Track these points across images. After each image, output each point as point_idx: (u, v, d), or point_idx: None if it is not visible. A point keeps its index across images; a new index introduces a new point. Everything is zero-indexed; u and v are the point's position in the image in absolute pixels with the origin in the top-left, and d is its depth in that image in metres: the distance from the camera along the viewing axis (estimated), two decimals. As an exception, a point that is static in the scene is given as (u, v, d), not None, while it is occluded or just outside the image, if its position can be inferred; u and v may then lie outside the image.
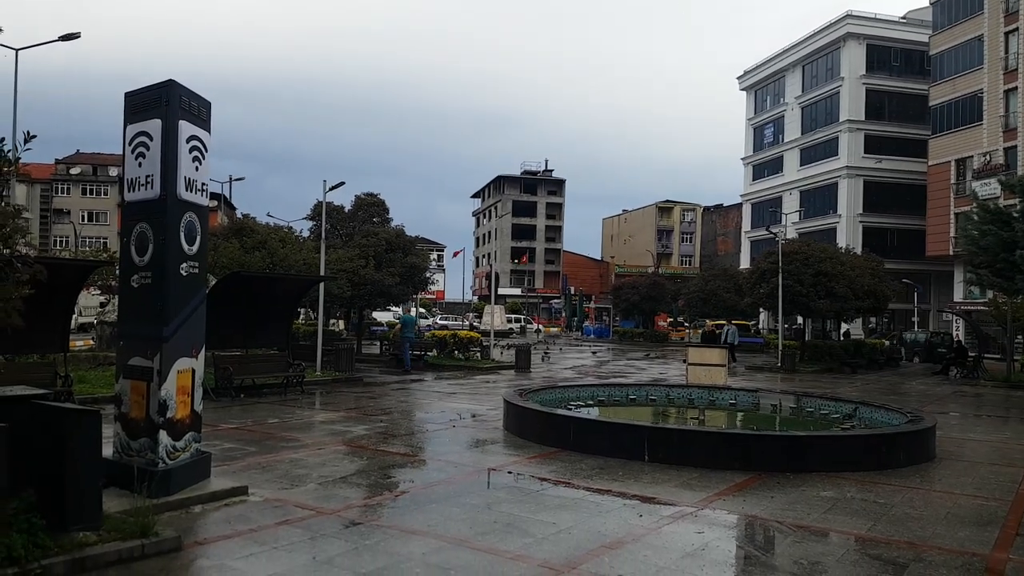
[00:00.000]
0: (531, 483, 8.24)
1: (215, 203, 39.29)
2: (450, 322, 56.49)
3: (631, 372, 25.42)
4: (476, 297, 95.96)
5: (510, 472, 8.75)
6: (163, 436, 6.92)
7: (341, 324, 39.79)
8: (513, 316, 64.21)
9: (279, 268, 22.45)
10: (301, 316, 35.67)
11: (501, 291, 73.41)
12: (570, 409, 12.58)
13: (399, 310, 50.69)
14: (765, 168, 60.74)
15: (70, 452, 5.63)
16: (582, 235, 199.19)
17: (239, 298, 16.04)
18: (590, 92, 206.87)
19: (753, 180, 62.18)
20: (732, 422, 13.41)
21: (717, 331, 28.63)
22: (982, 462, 10.41)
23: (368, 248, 26.55)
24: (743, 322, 50.36)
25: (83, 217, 73.48)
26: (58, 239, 71.72)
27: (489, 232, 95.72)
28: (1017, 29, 39.83)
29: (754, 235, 60.04)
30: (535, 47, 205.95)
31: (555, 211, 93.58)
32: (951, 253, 42.48)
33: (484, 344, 26.93)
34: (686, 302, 47.36)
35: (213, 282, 17.49)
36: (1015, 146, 39.54)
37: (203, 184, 7.40)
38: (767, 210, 57.41)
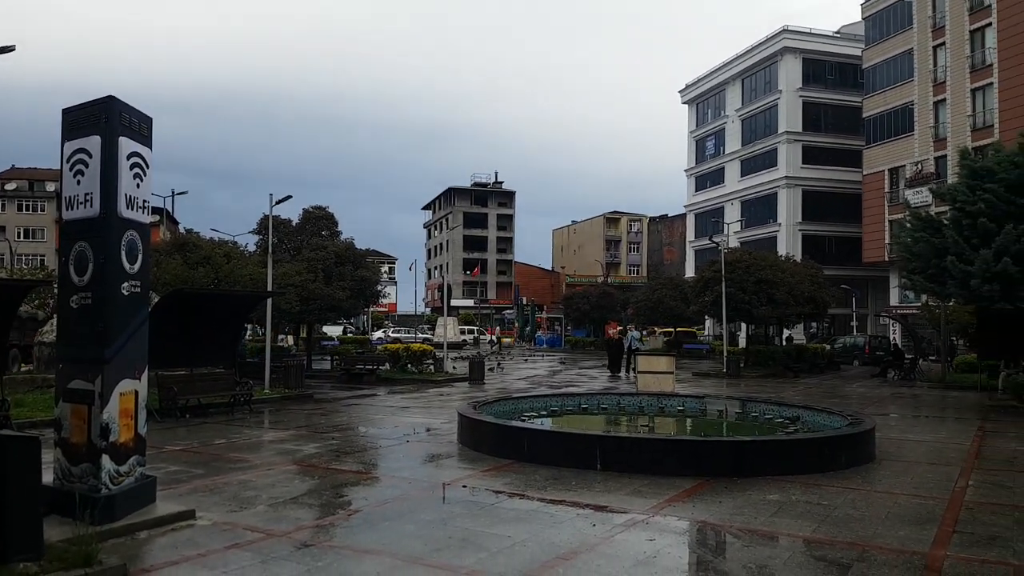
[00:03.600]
0: (486, 496, 8.25)
1: (157, 218, 38.34)
2: (403, 335, 56.28)
3: (583, 381, 25.51)
4: (429, 309, 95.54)
5: (464, 486, 8.74)
6: (106, 461, 6.75)
7: (290, 340, 39.42)
8: (466, 327, 64.31)
9: (224, 284, 22.18)
10: (248, 333, 35.38)
11: (454, 302, 72.68)
12: (524, 420, 12.60)
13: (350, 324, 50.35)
14: (707, 179, 61.71)
15: (8, 480, 5.43)
16: (533, 246, 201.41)
17: (183, 316, 15.75)
18: (538, 104, 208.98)
19: (696, 191, 63.15)
20: (681, 429, 13.55)
21: (619, 338, 29.02)
22: (920, 462, 10.74)
23: (317, 262, 26.33)
24: (689, 329, 51.36)
25: (19, 234, 71.33)
26: (-9, 257, 69.02)
27: (441, 244, 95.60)
28: (944, 43, 41.55)
29: (698, 244, 60.97)
30: (485, 58, 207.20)
31: (506, 223, 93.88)
32: (887, 259, 43.62)
33: (437, 356, 26.88)
34: (635, 310, 47.98)
35: (156, 300, 17.14)
36: (945, 155, 41.11)
37: (144, 201, 7.25)
38: (710, 220, 58.21)
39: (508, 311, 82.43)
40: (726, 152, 59.20)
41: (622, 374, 27.22)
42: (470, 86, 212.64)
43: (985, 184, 19.30)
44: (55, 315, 11.31)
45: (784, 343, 36.04)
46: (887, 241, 43.88)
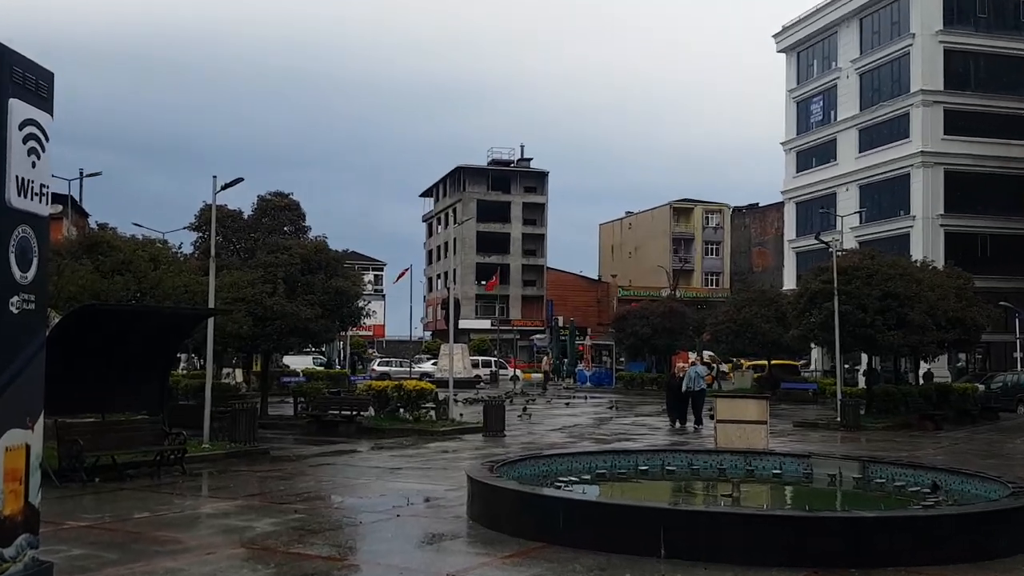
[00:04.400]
0: (505, 593, 8.20)
1: (59, 208, 38.70)
2: (393, 368, 56.31)
3: (641, 433, 25.34)
4: (429, 333, 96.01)
5: (476, 579, 8.71)
6: (-14, 540, 6.74)
7: (239, 375, 39.81)
8: (481, 358, 64.31)
9: (151, 298, 22.16)
10: (182, 365, 35.68)
11: (464, 324, 74.04)
12: (559, 487, 12.57)
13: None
14: (813, 156, 61.61)
15: None
16: (573, 247, 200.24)
17: (94, 342, 15.73)
18: (580, 58, 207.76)
19: (797, 171, 63.12)
20: (778, 500, 13.49)
21: (680, 375, 29.29)
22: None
23: (276, 268, 26.67)
24: (789, 362, 50.67)
25: None
26: None
27: (446, 243, 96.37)
28: None
29: (800, 245, 60.87)
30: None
31: (535, 215, 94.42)
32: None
33: (441, 398, 27.14)
34: (713, 336, 47.77)
35: (56, 320, 17.06)
36: None
37: (43, 186, 7.30)
38: (816, 211, 57.88)
39: (538, 336, 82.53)
40: (838, 118, 58.79)
41: (689, 425, 27.53)
42: (489, 32, 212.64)
43: None
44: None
45: (921, 381, 35.75)
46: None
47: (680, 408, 28.33)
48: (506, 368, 63.90)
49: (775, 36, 65.11)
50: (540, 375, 60.45)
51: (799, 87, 63.32)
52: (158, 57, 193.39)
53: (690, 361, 36.81)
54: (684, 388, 27.80)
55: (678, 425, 27.47)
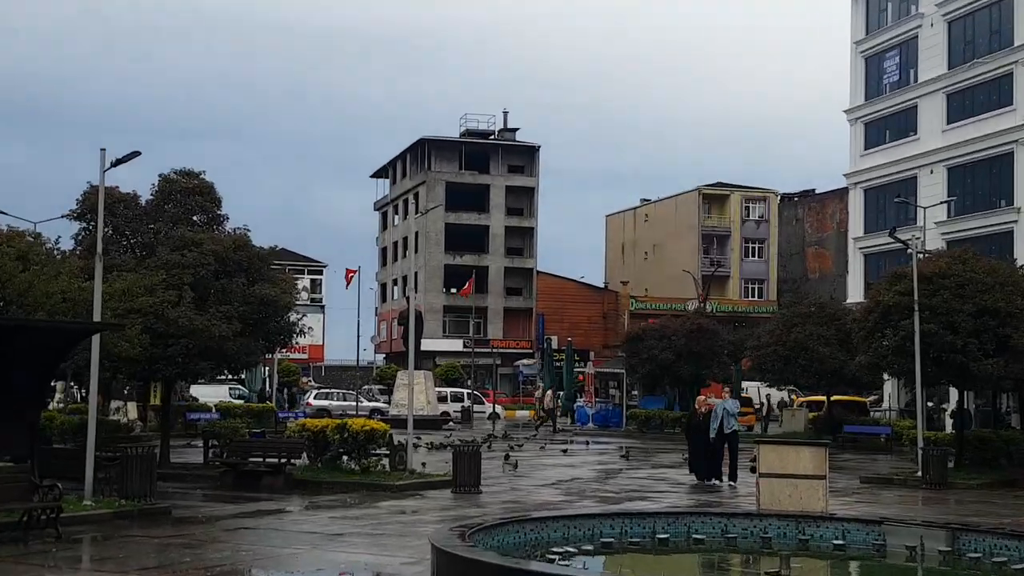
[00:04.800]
0: None
1: None
2: (335, 402, 56.88)
3: (660, 491, 25.48)
4: (382, 356, 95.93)
5: None
6: None
7: (132, 410, 40.03)
8: (450, 390, 64.59)
9: (16, 309, 22.08)
10: (57, 397, 36.33)
11: (428, 344, 73.64)
12: (552, 561, 12.53)
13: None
14: (886, 128, 61.13)
15: None
16: (571, 245, 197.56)
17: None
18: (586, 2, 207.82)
19: (866, 148, 62.58)
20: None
21: (701, 411, 29.31)
22: None
23: (183, 270, 26.79)
24: (855, 398, 50.95)
25: None
26: None
27: (405, 239, 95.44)
28: None
29: (870, 244, 60.52)
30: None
31: (522, 202, 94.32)
32: None
33: (396, 442, 27.25)
34: (755, 362, 48.00)
35: None
36: None
37: None
38: (891, 200, 56.60)
39: (525, 361, 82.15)
40: (919, 79, 58.26)
41: (724, 481, 27.51)
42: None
43: None
44: None
45: (1027, 424, 35.85)
46: None
47: (707, 457, 28.17)
48: (483, 403, 63.89)
49: None
50: (532, 411, 60.91)
51: (868, 38, 62.31)
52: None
53: (734, 391, 36.88)
54: (712, 431, 27.48)
55: (706, 480, 27.49)
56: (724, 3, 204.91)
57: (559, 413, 60.16)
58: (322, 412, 47.56)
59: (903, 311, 29.91)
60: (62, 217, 32.69)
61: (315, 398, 58.61)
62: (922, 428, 31.13)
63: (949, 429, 38.77)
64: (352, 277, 64.51)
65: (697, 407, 30.11)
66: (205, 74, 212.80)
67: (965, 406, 36.10)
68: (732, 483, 26.92)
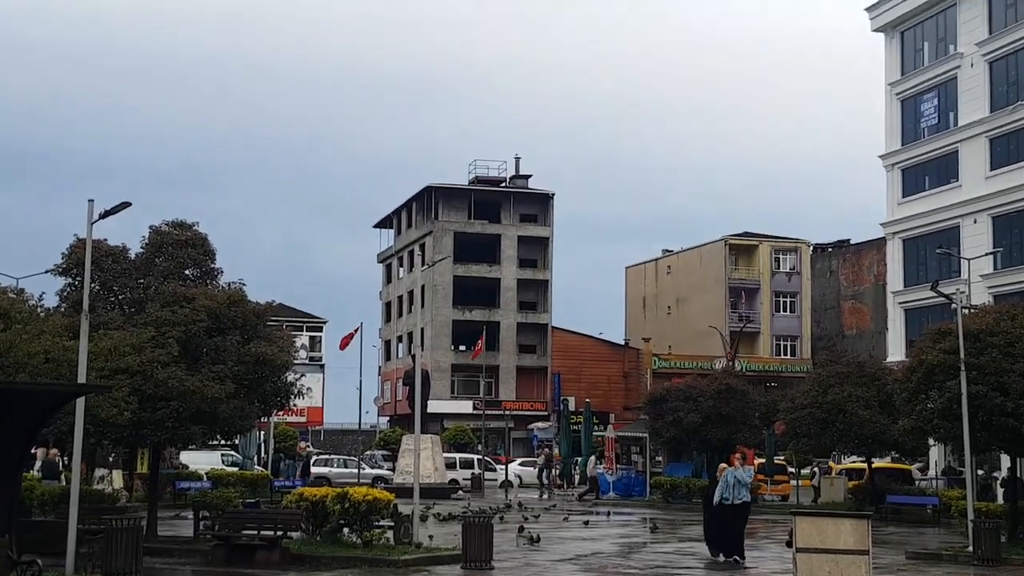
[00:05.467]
0: None
1: None
2: (335, 469, 56.92)
3: (688, 567, 25.98)
4: (386, 419, 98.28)
5: None
6: None
7: (117, 479, 39.95)
8: (459, 456, 64.96)
9: (-2, 371, 22.55)
10: (37, 465, 36.24)
11: (435, 406, 73.50)
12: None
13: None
14: (925, 174, 61.49)
15: None
16: (589, 299, 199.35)
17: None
18: (602, 38, 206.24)
19: (905, 196, 62.85)
20: None
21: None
22: None
23: (173, 327, 27.22)
24: (899, 465, 51.35)
25: None
26: None
27: (411, 292, 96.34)
28: None
29: (911, 299, 60.56)
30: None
31: (536, 253, 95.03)
32: None
33: (402, 513, 27.37)
34: (789, 426, 47.36)
35: None
36: None
37: None
38: (932, 251, 57.38)
39: (540, 424, 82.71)
40: (960, 122, 58.31)
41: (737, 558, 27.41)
42: (471, 3, 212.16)
43: None
44: None
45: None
46: None
47: (722, 530, 28.05)
48: (495, 469, 64.12)
49: (869, 9, 64.73)
50: (535, 471, 61.30)
51: (904, 79, 62.83)
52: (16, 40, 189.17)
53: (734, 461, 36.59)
54: (717, 500, 27.68)
55: (729, 556, 27.29)
56: (753, 47, 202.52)
57: (569, 480, 61.79)
58: (321, 480, 47.46)
59: (948, 371, 29.89)
60: (46, 272, 33.28)
61: (314, 464, 58.27)
62: (972, 498, 30.95)
63: (1001, 499, 38.98)
64: (353, 337, 63.00)
65: (718, 475, 29.50)
66: (199, 120, 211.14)
67: (1018, 474, 35.65)
68: (739, 560, 26.86)
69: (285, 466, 52.61)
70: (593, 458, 58.85)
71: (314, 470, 55.12)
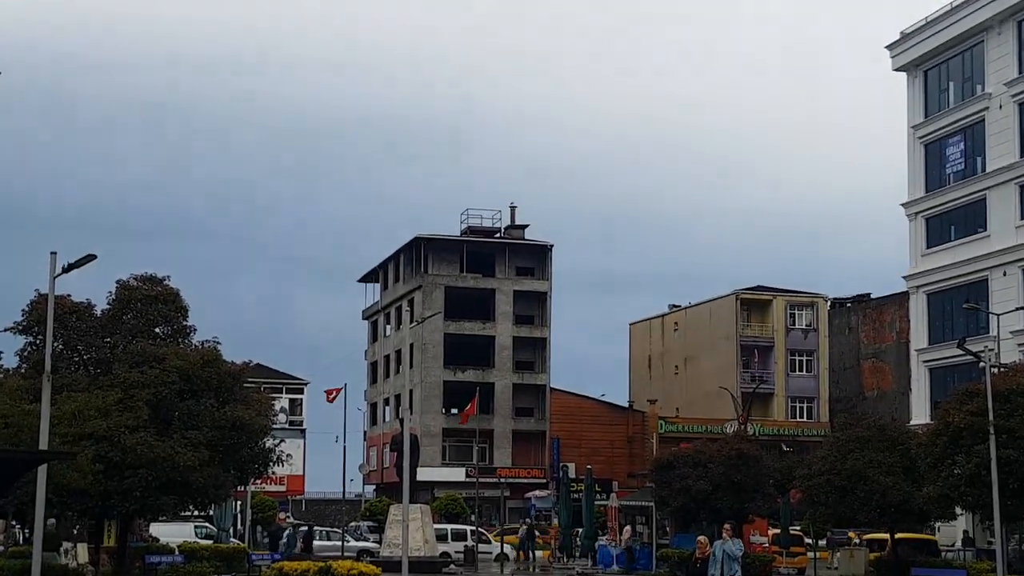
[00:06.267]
0: None
1: None
2: (318, 541, 56.71)
3: None
4: (372, 488, 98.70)
5: None
6: None
7: (82, 552, 39.07)
8: (451, 527, 65.14)
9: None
10: None
11: (426, 473, 74.53)
12: None
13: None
14: (951, 224, 61.42)
15: None
16: (590, 358, 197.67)
17: None
18: (602, 81, 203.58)
19: (929, 247, 62.64)
20: None
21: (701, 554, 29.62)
22: None
23: (142, 389, 27.82)
24: (924, 536, 50.08)
25: None
26: None
27: (398, 352, 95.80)
28: None
29: (935, 356, 60.44)
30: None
31: (532, 308, 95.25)
32: None
33: None
34: (806, 494, 46.65)
35: None
36: None
37: None
38: (959, 306, 57.41)
39: (538, 493, 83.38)
40: (988, 168, 58.14)
41: None
42: (465, 46, 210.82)
43: None
44: None
45: None
46: None
47: None
48: (489, 541, 63.42)
49: (890, 47, 65.04)
50: (546, 552, 61.25)
51: (928, 121, 62.93)
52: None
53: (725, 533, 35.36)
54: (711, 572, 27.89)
55: None
56: (765, 89, 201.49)
57: (571, 552, 60.44)
58: (303, 554, 46.90)
59: (976, 434, 30.55)
60: (5, 331, 33.56)
61: (298, 533, 57.68)
62: (1003, 571, 31.62)
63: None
64: (337, 394, 63.29)
65: (697, 552, 30.16)
66: (169, 171, 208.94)
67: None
68: None
69: (287, 537, 51.49)
70: (628, 528, 58.56)
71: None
